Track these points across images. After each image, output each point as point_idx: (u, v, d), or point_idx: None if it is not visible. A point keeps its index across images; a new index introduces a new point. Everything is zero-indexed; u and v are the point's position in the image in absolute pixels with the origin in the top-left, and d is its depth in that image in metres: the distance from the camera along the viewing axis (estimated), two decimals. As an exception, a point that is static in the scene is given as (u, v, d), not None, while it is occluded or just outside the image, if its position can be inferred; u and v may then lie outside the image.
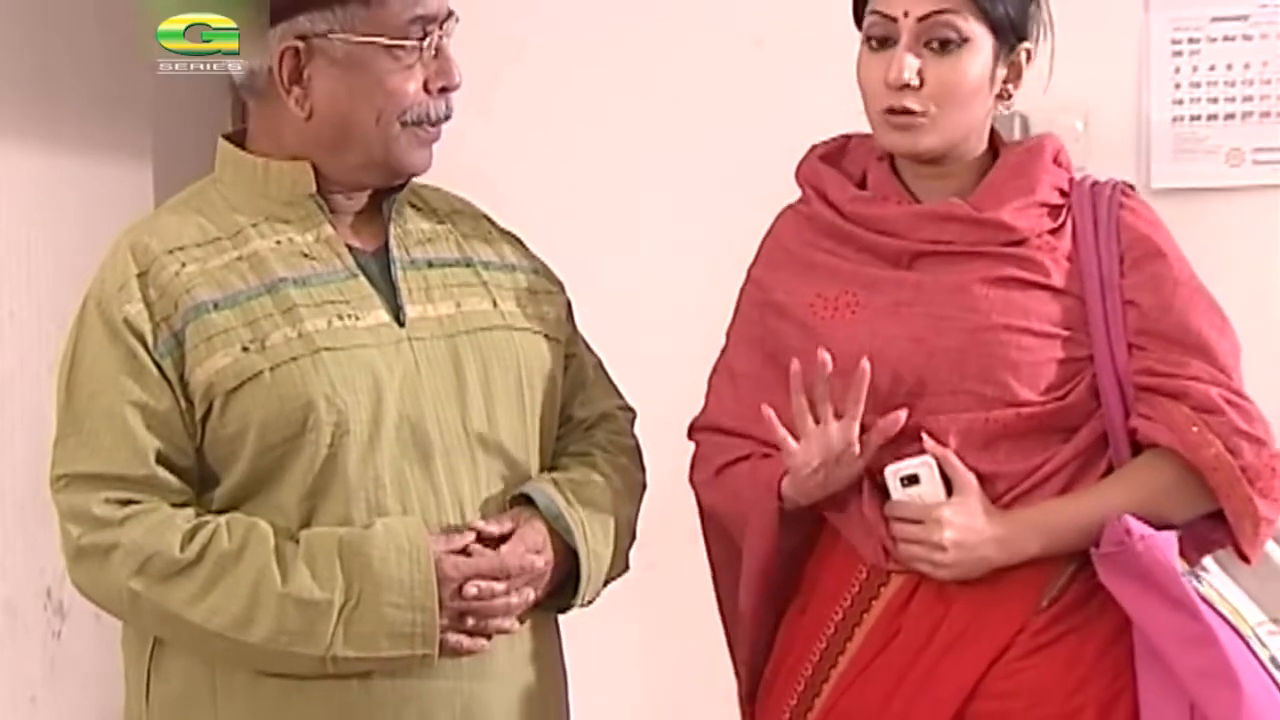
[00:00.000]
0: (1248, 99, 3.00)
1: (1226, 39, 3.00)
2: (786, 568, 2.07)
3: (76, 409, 1.88)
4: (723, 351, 2.15)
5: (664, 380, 2.80)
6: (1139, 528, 1.92)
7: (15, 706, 3.16)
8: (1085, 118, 2.99)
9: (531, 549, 1.91)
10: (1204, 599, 1.93)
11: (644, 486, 2.10)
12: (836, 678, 2.01)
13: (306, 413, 1.85)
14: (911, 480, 1.96)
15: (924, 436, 1.95)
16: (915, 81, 1.96)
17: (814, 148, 2.13)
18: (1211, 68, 3.00)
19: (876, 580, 2.01)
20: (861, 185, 2.07)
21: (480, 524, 1.90)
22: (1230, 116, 3.00)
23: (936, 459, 1.95)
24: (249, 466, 1.87)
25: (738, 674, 2.17)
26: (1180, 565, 1.94)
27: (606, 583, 2.02)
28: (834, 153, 2.11)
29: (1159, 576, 1.91)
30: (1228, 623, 1.93)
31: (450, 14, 1.94)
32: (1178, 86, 3.01)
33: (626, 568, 2.06)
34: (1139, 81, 3.02)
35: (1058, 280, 1.98)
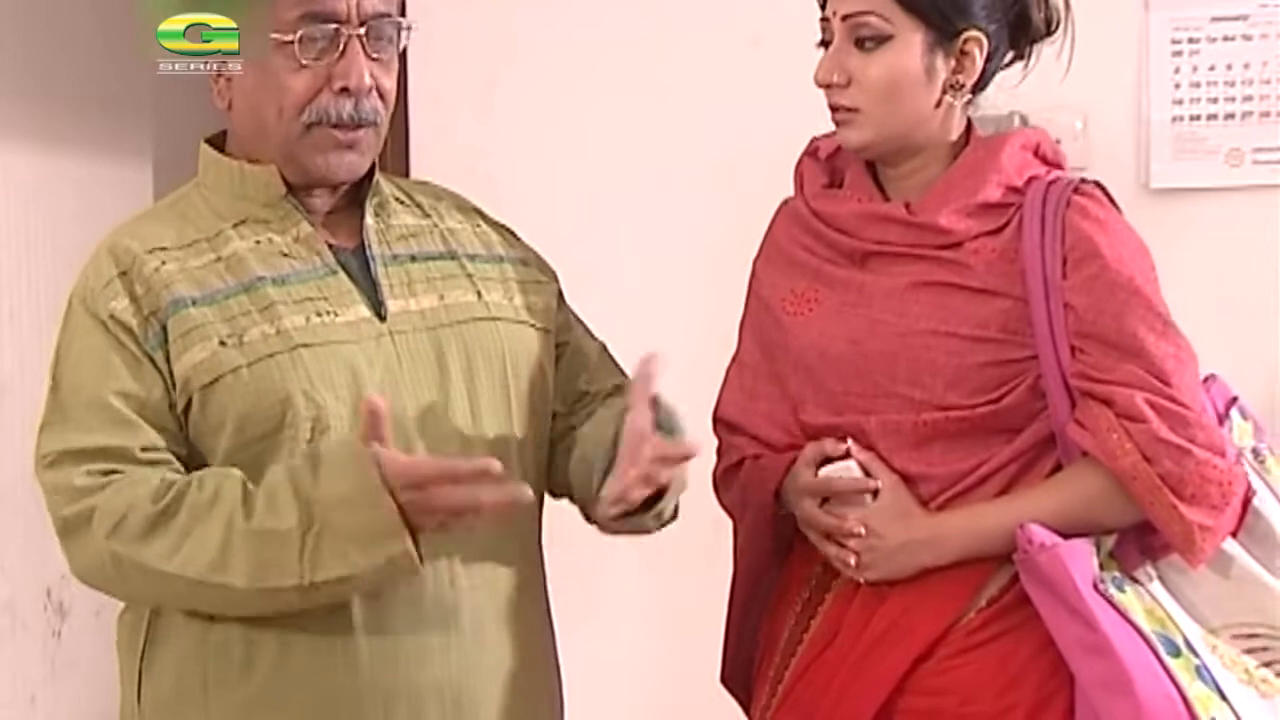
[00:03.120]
0: (1248, 99, 2.99)
1: (1226, 39, 3.00)
2: (776, 566, 2.10)
3: (62, 398, 1.88)
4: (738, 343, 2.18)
5: (662, 379, 2.81)
6: (1041, 536, 1.90)
7: (15, 706, 3.17)
8: (1085, 118, 2.99)
9: None
10: (1117, 607, 1.90)
11: None
12: (794, 666, 2.03)
13: (284, 409, 1.85)
14: None
15: (849, 441, 1.97)
16: (837, 80, 1.98)
17: (811, 141, 2.13)
18: (1211, 68, 3.00)
19: (829, 576, 2.03)
20: (844, 181, 2.07)
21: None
22: (1230, 116, 3.00)
23: (860, 463, 1.97)
24: (225, 461, 1.86)
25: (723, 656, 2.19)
26: (1100, 573, 1.92)
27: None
28: (823, 149, 2.11)
29: (1059, 585, 1.89)
30: (1140, 633, 1.89)
31: (383, 15, 1.91)
32: (1178, 86, 3.01)
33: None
34: (1139, 81, 3.01)
35: (992, 283, 1.96)
